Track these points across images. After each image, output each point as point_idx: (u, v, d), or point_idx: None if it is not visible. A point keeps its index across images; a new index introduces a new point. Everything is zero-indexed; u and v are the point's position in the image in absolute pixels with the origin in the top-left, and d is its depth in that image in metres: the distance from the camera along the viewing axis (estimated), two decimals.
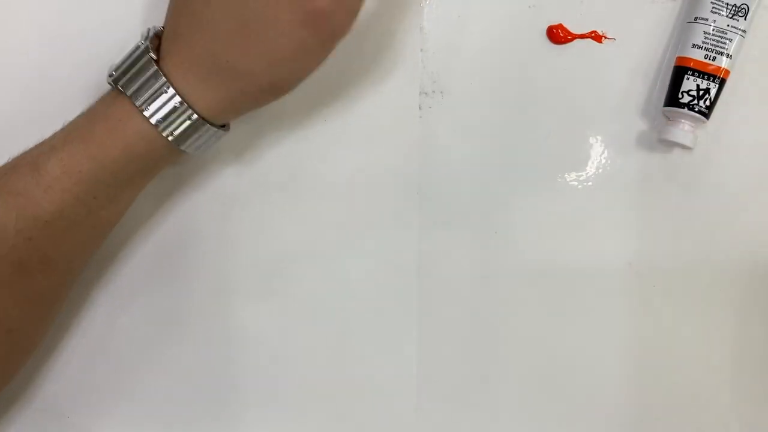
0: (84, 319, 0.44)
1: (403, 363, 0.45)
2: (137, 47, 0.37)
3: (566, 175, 0.45)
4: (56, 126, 0.38)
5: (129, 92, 0.36)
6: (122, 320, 0.44)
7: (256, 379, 0.44)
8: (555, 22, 0.45)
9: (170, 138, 0.37)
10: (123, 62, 0.37)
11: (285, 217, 0.45)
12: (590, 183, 0.45)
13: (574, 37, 0.45)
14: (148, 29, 0.38)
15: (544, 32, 0.45)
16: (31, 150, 0.37)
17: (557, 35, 0.45)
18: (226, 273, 0.44)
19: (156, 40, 0.37)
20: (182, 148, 0.38)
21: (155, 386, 0.44)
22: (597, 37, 0.45)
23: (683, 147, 0.44)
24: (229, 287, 0.44)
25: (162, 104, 0.36)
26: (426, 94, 0.45)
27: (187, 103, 0.36)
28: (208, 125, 0.37)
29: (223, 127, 0.40)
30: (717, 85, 0.43)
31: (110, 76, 0.37)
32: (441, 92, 0.45)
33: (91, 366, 0.44)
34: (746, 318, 0.45)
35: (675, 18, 0.45)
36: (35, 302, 0.38)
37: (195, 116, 0.36)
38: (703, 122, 0.44)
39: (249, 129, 0.44)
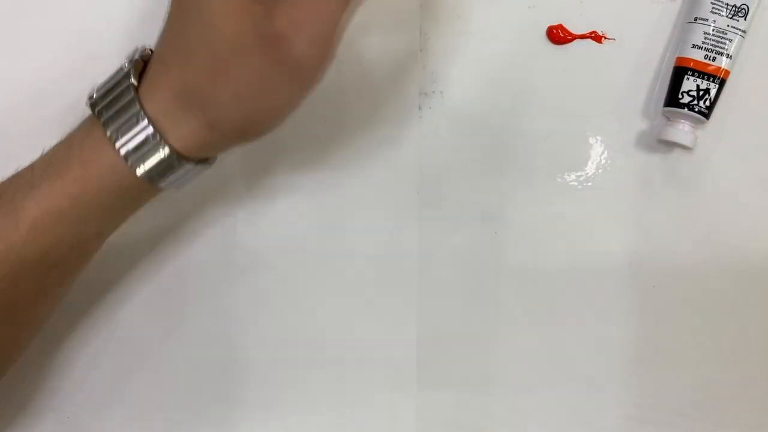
0: (83, 320, 0.44)
1: (403, 363, 0.45)
2: (120, 70, 0.34)
3: (566, 175, 0.45)
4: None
5: (103, 119, 0.33)
6: (122, 320, 0.44)
7: (257, 379, 0.44)
8: (555, 23, 0.45)
9: (141, 172, 0.33)
10: (104, 85, 0.34)
11: (285, 217, 0.45)
12: (590, 183, 0.45)
13: (574, 37, 0.45)
14: (135, 49, 0.35)
15: (544, 32, 0.45)
16: (10, 183, 0.35)
17: (557, 35, 0.45)
18: (225, 272, 0.44)
19: (141, 63, 0.34)
20: (158, 185, 0.34)
21: (155, 386, 0.44)
22: (597, 37, 0.45)
23: (683, 147, 0.44)
24: (228, 287, 0.44)
25: (134, 134, 0.32)
26: (426, 94, 0.45)
27: (163, 137, 0.32)
28: (183, 162, 0.33)
29: (204, 161, 0.36)
30: (717, 86, 0.43)
31: (89, 98, 0.34)
32: (441, 92, 0.45)
33: (90, 366, 0.44)
34: (746, 318, 0.45)
35: (675, 18, 0.45)
36: (22, 328, 0.37)
37: (167, 150, 0.33)
38: (703, 122, 0.44)
39: None
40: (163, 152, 0.33)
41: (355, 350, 0.45)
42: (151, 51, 0.35)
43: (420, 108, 0.45)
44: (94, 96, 0.34)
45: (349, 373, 0.45)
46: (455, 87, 0.45)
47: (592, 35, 0.45)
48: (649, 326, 0.45)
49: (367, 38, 0.45)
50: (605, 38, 0.45)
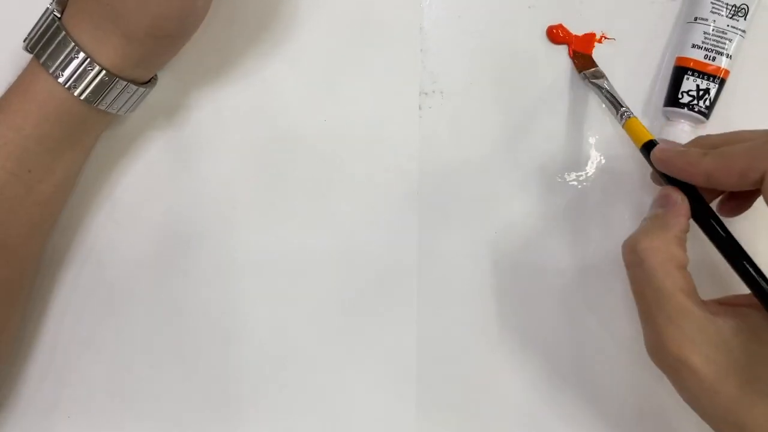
0: (82, 319, 0.44)
1: (403, 363, 0.45)
2: (46, 8, 0.37)
3: (566, 175, 0.45)
4: None
5: (35, 51, 0.36)
6: (121, 320, 0.44)
7: (256, 380, 0.44)
8: (555, 22, 0.45)
9: (78, 94, 0.36)
10: (35, 25, 0.37)
11: (284, 216, 0.45)
12: (590, 183, 0.45)
13: (574, 37, 0.45)
14: None
15: (544, 32, 0.45)
16: None
17: (557, 35, 0.45)
18: (224, 272, 0.44)
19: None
20: (100, 107, 0.37)
21: (155, 386, 0.44)
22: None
23: None
24: (228, 287, 0.44)
25: (66, 60, 0.35)
26: (426, 94, 0.45)
27: (90, 57, 0.35)
28: (119, 80, 0.36)
29: (147, 83, 0.39)
30: (717, 86, 0.43)
31: (25, 41, 0.37)
32: (441, 92, 0.45)
33: (90, 366, 0.44)
34: None
35: (675, 18, 0.45)
36: None
37: (100, 69, 0.36)
38: (703, 122, 0.44)
39: (253, 132, 0.44)
40: (93, 71, 0.35)
41: (355, 350, 0.45)
42: None
43: (420, 108, 0.45)
44: (28, 36, 0.37)
45: (349, 373, 0.45)
46: (455, 87, 0.45)
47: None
48: None
49: (368, 38, 0.45)
50: (605, 38, 0.45)
